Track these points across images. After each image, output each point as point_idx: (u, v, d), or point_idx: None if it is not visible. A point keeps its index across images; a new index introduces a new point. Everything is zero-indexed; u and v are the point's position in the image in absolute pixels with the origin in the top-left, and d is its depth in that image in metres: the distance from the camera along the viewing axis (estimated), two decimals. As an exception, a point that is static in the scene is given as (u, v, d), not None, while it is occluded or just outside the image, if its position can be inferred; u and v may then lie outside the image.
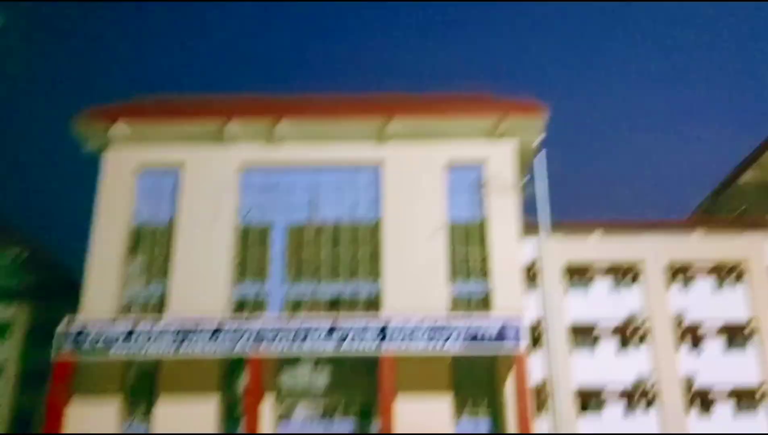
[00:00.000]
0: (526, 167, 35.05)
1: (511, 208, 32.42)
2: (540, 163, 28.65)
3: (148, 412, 30.11)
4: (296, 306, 31.74)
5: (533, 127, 33.20)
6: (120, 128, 32.90)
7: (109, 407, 29.79)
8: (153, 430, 29.24)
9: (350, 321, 29.02)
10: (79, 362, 29.31)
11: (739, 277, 34.75)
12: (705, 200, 46.03)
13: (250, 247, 32.54)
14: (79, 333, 28.66)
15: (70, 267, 42.88)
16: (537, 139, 33.42)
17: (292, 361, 31.64)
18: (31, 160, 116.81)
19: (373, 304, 31.40)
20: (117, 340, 28.50)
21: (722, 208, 41.83)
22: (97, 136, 33.43)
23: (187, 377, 29.63)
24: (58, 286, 39.76)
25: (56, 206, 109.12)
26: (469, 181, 33.36)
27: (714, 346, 33.74)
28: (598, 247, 35.85)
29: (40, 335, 37.14)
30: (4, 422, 36.27)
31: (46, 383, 29.13)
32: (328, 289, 31.96)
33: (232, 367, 30.94)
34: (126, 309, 31.54)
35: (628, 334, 34.06)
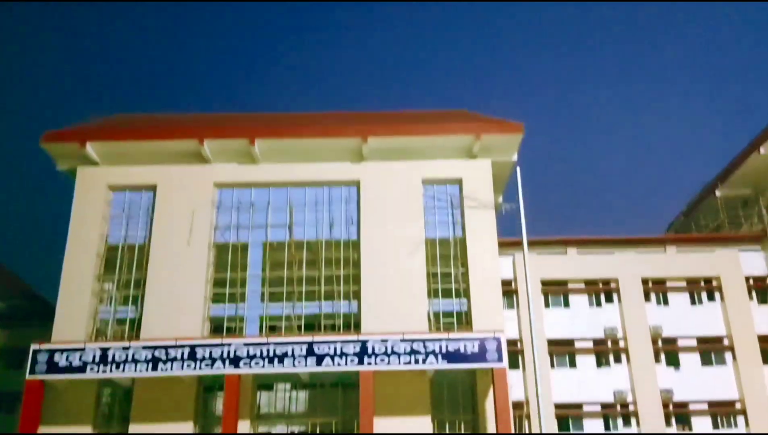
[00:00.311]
0: (501, 185, 35.29)
1: (488, 225, 32.52)
2: (517, 179, 28.78)
3: (122, 436, 29.39)
4: (274, 326, 31.38)
5: (509, 146, 33.47)
6: (91, 148, 32.48)
7: (81, 431, 28.99)
8: (127, 455, 28.55)
9: (329, 340, 28.71)
10: (51, 385, 28.58)
11: (714, 292, 35.19)
12: (678, 216, 46.74)
13: (227, 266, 32.17)
14: (51, 355, 27.98)
15: (43, 290, 42.14)
16: (513, 157, 33.71)
17: (270, 384, 31.20)
18: (2, 181, 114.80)
19: (351, 323, 31.14)
20: (90, 362, 27.85)
21: (696, 224, 42.44)
22: (68, 156, 32.98)
23: (162, 400, 29.00)
24: (30, 311, 38.89)
25: (28, 227, 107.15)
26: (445, 198, 33.45)
27: (691, 360, 34.01)
28: (573, 263, 36.15)
29: (12, 359, 36.26)
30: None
31: (18, 407, 28.38)
32: (305, 309, 31.65)
33: (209, 388, 30.43)
34: (99, 331, 30.92)
35: (605, 349, 34.22)
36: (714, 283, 35.25)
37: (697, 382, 33.25)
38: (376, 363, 28.14)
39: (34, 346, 28.20)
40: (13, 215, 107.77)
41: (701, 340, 34.33)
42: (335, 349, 28.33)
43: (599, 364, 34.11)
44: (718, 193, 40.63)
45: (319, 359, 28.21)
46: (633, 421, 32.84)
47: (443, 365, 28.14)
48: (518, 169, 17.40)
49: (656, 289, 35.41)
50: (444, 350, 28.19)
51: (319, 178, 33.50)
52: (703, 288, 35.45)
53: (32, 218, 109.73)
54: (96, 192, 32.79)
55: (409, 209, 32.73)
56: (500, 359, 28.09)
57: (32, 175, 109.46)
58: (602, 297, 35.48)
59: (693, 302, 35.28)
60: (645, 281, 35.31)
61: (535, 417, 31.47)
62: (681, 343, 34.31)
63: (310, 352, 28.30)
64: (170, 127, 34.72)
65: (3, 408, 36.16)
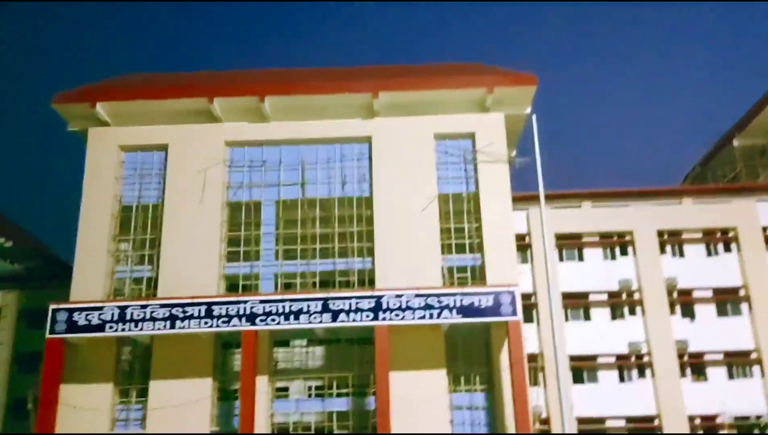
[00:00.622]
0: (515, 139, 34.86)
1: (501, 179, 32.24)
2: (532, 131, 28.35)
3: (142, 392, 29.96)
4: (289, 284, 31.59)
5: (522, 98, 32.94)
6: (102, 108, 32.37)
7: (103, 388, 29.61)
8: (148, 409, 29.10)
9: (344, 296, 28.90)
10: (72, 344, 29.11)
11: (730, 243, 34.87)
12: (695, 167, 46.15)
13: (241, 225, 32.26)
14: (70, 314, 28.43)
15: (60, 251, 42.66)
16: (526, 110, 33.20)
17: (287, 340, 31.59)
18: (15, 143, 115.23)
19: (366, 279, 31.26)
20: (108, 320, 28.29)
21: (713, 174, 41.89)
22: (79, 117, 32.92)
23: (181, 356, 29.47)
24: (48, 272, 39.38)
25: (43, 189, 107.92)
26: (458, 153, 33.11)
27: (706, 312, 33.94)
28: (587, 217, 35.90)
29: (33, 320, 36.84)
30: (0, 408, 36.11)
31: (40, 367, 28.99)
32: (320, 266, 31.79)
33: (226, 345, 30.86)
34: (117, 290, 31.29)
35: (620, 302, 34.20)
36: (730, 234, 34.91)
37: (712, 333, 33.22)
38: (390, 318, 28.35)
39: (53, 306, 28.66)
40: (28, 177, 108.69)
41: (717, 292, 34.19)
42: (350, 305, 28.54)
43: (614, 316, 34.14)
44: (735, 142, 39.95)
45: (335, 315, 28.45)
46: (648, 372, 32.95)
47: (458, 319, 28.29)
48: (534, 118, 17.03)
49: (672, 241, 35.14)
50: (458, 304, 28.30)
51: (331, 135, 33.20)
52: (719, 239, 35.14)
53: (47, 180, 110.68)
54: (108, 152, 32.80)
55: (421, 165, 32.46)
56: (515, 313, 28.18)
57: (46, 137, 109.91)
58: (617, 250, 35.28)
59: (709, 254, 35.04)
60: (660, 233, 35.01)
61: (549, 369, 31.67)
62: (696, 294, 34.19)
63: (325, 308, 28.53)
64: (180, 86, 34.42)
65: (25, 368, 36.88)
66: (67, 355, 29.10)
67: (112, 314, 28.27)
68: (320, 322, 28.45)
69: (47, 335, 28.29)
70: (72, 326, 28.28)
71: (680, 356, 32.88)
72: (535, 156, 13.23)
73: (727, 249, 34.95)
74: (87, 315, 28.31)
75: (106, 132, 33.03)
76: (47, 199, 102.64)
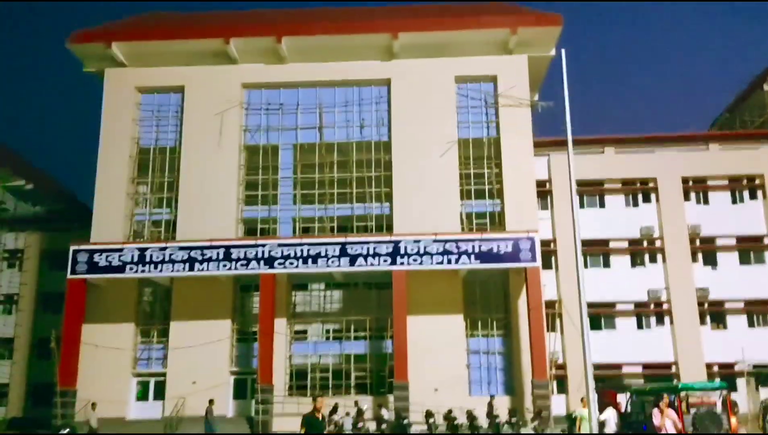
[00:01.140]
0: (537, 82, 33.98)
1: (523, 124, 31.56)
2: (556, 74, 27.54)
3: (163, 332, 30.45)
4: (307, 228, 31.56)
5: (547, 39, 31.93)
6: (117, 48, 31.92)
7: (125, 328, 30.14)
8: (169, 349, 29.65)
9: (362, 241, 28.84)
10: (93, 285, 29.51)
11: (756, 190, 34.08)
12: (723, 113, 44.84)
13: (258, 168, 32.06)
14: (91, 255, 28.72)
15: (82, 195, 42.87)
16: (550, 51, 32.22)
17: (305, 283, 31.75)
18: (34, 85, 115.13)
19: (384, 224, 31.11)
20: (128, 262, 28.57)
21: (740, 120, 40.68)
22: (95, 57, 32.51)
23: (200, 298, 29.81)
24: (70, 214, 39.66)
25: (62, 132, 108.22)
26: (479, 97, 32.36)
27: (729, 260, 33.44)
28: (610, 163, 35.16)
29: (55, 261, 37.29)
30: (25, 347, 36.93)
31: (62, 307, 29.48)
32: (338, 211, 31.65)
33: (245, 288, 31.10)
34: (136, 232, 31.49)
35: (641, 249, 33.79)
36: (757, 181, 34.06)
37: (734, 281, 32.77)
38: (408, 263, 28.29)
39: (73, 247, 28.95)
40: (47, 120, 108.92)
41: (741, 239, 33.58)
42: (368, 250, 28.49)
43: (634, 264, 33.76)
44: (765, 87, 38.58)
45: (352, 259, 28.44)
46: (666, 319, 32.76)
47: (476, 265, 28.18)
48: (564, 53, 16.29)
49: (696, 187, 34.40)
50: (477, 250, 28.14)
51: (349, 77, 32.55)
52: (745, 186, 34.33)
53: (66, 122, 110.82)
54: (125, 94, 32.50)
55: (441, 108, 31.83)
56: (534, 259, 27.98)
57: (65, 79, 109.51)
58: (640, 197, 34.63)
59: (734, 201, 34.29)
60: (685, 180, 34.25)
61: (566, 315, 31.61)
62: (719, 242, 33.62)
63: (343, 252, 28.52)
64: (196, 26, 33.80)
65: (50, 308, 37.53)
66: (89, 296, 29.54)
67: (132, 256, 28.52)
68: (338, 266, 28.49)
69: (68, 276, 28.66)
70: (93, 267, 28.60)
71: (700, 304, 32.58)
72: (564, 93, 12.66)
73: (753, 196, 34.17)
74: (107, 256, 28.59)
75: (122, 73, 32.67)
76: (66, 141, 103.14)
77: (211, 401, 24.71)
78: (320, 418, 10.76)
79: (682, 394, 16.97)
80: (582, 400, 15.17)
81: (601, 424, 14.72)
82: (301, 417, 10.90)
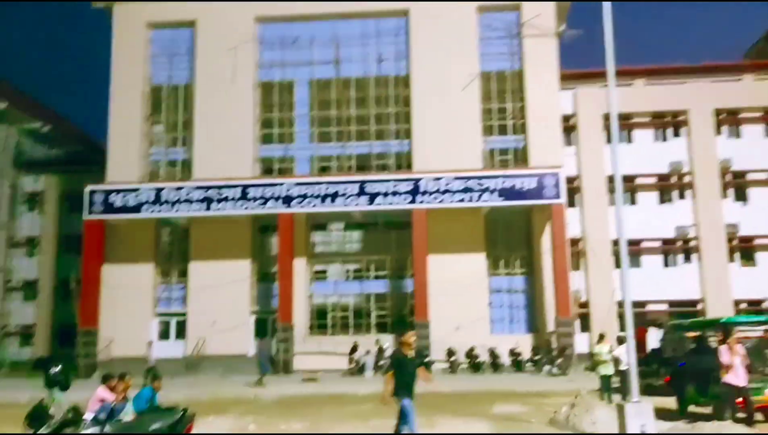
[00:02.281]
0: (564, 11, 32.35)
1: (548, 55, 30.24)
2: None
3: (183, 272, 30.36)
4: (324, 167, 30.91)
5: (574, -36, 30.27)
6: (126, -20, 30.87)
7: (144, 269, 30.08)
8: (189, 289, 29.62)
9: (381, 179, 28.18)
10: (112, 225, 29.35)
11: (792, 122, 32.63)
12: (757, 42, 42.75)
13: (274, 106, 31.24)
14: (107, 196, 28.44)
15: (98, 135, 42.46)
16: (578, -23, 30.61)
17: (324, 223, 31.31)
18: (44, 26, 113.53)
19: (404, 162, 30.33)
20: (145, 202, 28.26)
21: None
22: (103, -9, 31.52)
23: (219, 239, 29.54)
24: (88, 157, 39.42)
25: (75, 73, 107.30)
26: (503, 27, 30.94)
27: (760, 195, 32.32)
28: (639, 96, 33.79)
29: (74, 204, 37.30)
30: (48, 289, 37.30)
31: (82, 249, 29.42)
32: (356, 149, 30.89)
33: (264, 229, 30.74)
34: (152, 172, 31.09)
35: (669, 185, 32.77)
36: (793, 114, 32.57)
37: (764, 217, 31.72)
38: (428, 201, 27.65)
39: (89, 188, 28.67)
40: (63, 62, 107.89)
41: (774, 174, 32.35)
42: (387, 188, 27.86)
43: (662, 200, 32.78)
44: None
45: (371, 198, 27.85)
46: (694, 256, 31.98)
47: (499, 202, 27.45)
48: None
49: (729, 120, 33.02)
50: (500, 187, 27.36)
51: (366, 9, 31.20)
52: (780, 118, 32.86)
53: (79, 63, 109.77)
54: (135, 30, 31.57)
55: (462, 40, 30.50)
56: (558, 195, 27.18)
57: (73, 17, 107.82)
58: (669, 131, 33.36)
59: (768, 134, 32.92)
60: (718, 112, 32.86)
61: (591, 253, 30.96)
62: (751, 176, 32.45)
63: (362, 191, 27.91)
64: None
65: (72, 250, 37.71)
66: (109, 237, 29.42)
67: (148, 196, 28.19)
68: (357, 205, 27.93)
69: (85, 217, 28.45)
70: (109, 207, 28.35)
71: (729, 240, 31.71)
72: (602, 19, 11.51)
73: (788, 129, 32.74)
74: (123, 196, 28.28)
75: (132, 8, 31.63)
76: (80, 83, 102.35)
77: (262, 339, 24.10)
78: (412, 357, 9.29)
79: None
80: (600, 336, 14.68)
81: (616, 361, 14.22)
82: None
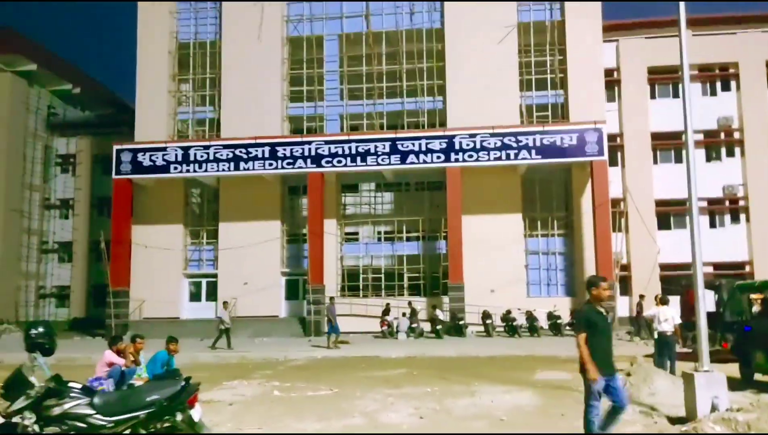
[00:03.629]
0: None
1: (592, 5, 28.55)
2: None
3: (213, 233, 29.97)
4: (355, 126, 29.96)
5: None
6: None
7: (174, 229, 29.75)
8: (219, 249, 29.24)
9: (413, 136, 27.18)
10: (141, 186, 29.01)
11: None
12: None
13: (302, 62, 30.25)
14: (135, 155, 28.01)
15: (129, 97, 42.06)
16: None
17: (355, 184, 30.50)
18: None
19: (437, 121, 29.21)
20: (172, 161, 27.76)
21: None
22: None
23: (248, 199, 28.99)
24: (120, 119, 39.07)
25: (108, 36, 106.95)
26: (542, -25, 29.29)
27: (817, 152, 30.47)
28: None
29: (107, 165, 37.08)
30: (83, 250, 37.43)
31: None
32: (387, 107, 29.83)
33: (293, 189, 30.08)
34: (180, 131, 30.53)
35: (717, 142, 31.10)
36: None
37: (821, 176, 29.97)
38: (463, 159, 26.59)
39: (117, 146, 28.23)
40: (95, 24, 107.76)
41: (831, 131, 30.41)
42: (420, 146, 26.84)
43: (709, 158, 31.14)
44: None
45: (404, 156, 26.89)
46: (742, 217, 30.45)
47: (537, 160, 26.25)
48: None
49: (782, 73, 31.02)
50: (538, 144, 26.13)
51: (398, -42, 29.82)
52: (839, 71, 30.74)
53: (114, 24, 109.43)
54: (160, -15, 30.70)
55: (499, -11, 28.96)
56: (601, 152, 25.86)
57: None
58: (718, 84, 31.52)
59: (825, 88, 30.85)
60: (770, 64, 30.90)
61: (633, 213, 29.67)
62: (806, 133, 30.55)
63: (393, 149, 26.95)
64: None
65: (106, 212, 37.70)
66: (138, 197, 29.12)
67: (176, 155, 27.64)
68: (388, 163, 27.01)
69: (113, 176, 28.10)
70: (137, 167, 27.93)
71: (781, 201, 30.05)
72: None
73: None
74: (151, 156, 27.80)
75: (156, -38, 30.75)
76: (111, 43, 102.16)
77: (331, 299, 23.23)
78: (604, 312, 6.78)
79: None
80: (657, 298, 13.56)
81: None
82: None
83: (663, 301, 12.64)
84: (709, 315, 16.50)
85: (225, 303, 22.85)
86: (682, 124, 28.64)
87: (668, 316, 12.18)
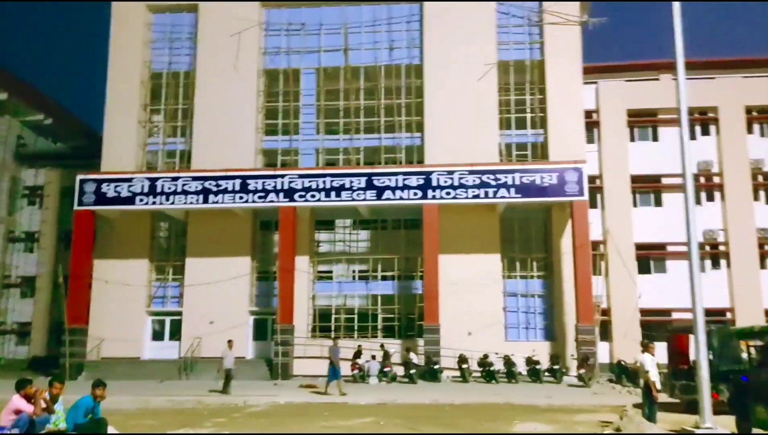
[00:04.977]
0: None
1: (572, 45, 28.37)
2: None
3: (179, 269, 28.72)
4: (331, 161, 29.19)
5: (599, -51, 28.44)
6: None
7: (139, 264, 28.47)
8: (185, 286, 27.96)
9: (390, 172, 26.46)
10: (106, 218, 27.81)
11: (831, 121, 30.54)
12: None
13: (279, 94, 29.60)
14: (99, 185, 26.88)
15: (101, 129, 41.08)
16: (603, -37, 28.74)
17: (330, 220, 29.57)
18: (46, 15, 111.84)
19: (414, 157, 28.55)
20: (138, 192, 26.67)
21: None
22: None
23: (218, 234, 27.89)
24: (92, 151, 37.96)
25: (74, 63, 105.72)
26: (523, 14, 29.13)
27: (796, 198, 30.26)
28: (665, 91, 31.81)
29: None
30: (47, 285, 35.96)
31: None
32: (364, 142, 29.16)
33: (265, 224, 29.04)
34: (150, 163, 29.52)
35: (697, 186, 30.75)
36: (831, 113, 30.47)
37: (800, 222, 29.66)
38: (441, 196, 25.86)
39: (80, 176, 27.10)
40: (59, 50, 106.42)
41: (809, 176, 30.27)
42: (397, 181, 26.11)
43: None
44: None
45: (380, 192, 26.11)
46: (722, 262, 29.96)
47: (516, 199, 25.58)
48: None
49: (762, 118, 31.01)
50: (518, 182, 25.50)
51: (378, -7, 29.54)
52: (817, 117, 30.78)
53: (79, 52, 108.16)
54: (135, 14, 30.04)
55: (479, 27, 28.71)
56: (581, 192, 25.28)
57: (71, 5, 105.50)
58: (698, 129, 31.37)
59: (804, 134, 30.84)
60: (749, 110, 30.89)
61: (614, 257, 29.05)
62: (786, 179, 30.39)
63: (369, 184, 26.18)
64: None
65: (71, 245, 36.42)
66: (102, 230, 27.91)
67: (142, 186, 26.58)
68: (364, 199, 26.17)
69: (75, 206, 26.91)
70: (101, 198, 26.78)
71: (761, 246, 29.67)
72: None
73: (825, 129, 30.66)
74: (116, 187, 26.71)
75: (131, -9, 30.16)
76: (80, 73, 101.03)
77: (335, 339, 21.69)
78: None
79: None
80: (644, 344, 12.64)
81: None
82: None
83: (648, 348, 11.75)
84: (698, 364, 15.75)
85: (230, 342, 21.06)
86: (661, 167, 28.44)
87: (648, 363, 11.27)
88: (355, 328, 27.85)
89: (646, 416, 10.81)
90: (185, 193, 26.36)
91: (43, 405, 7.86)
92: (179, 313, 28.12)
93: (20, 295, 36.23)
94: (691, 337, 16.39)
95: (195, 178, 26.55)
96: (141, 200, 26.55)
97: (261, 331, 27.94)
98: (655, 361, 11.47)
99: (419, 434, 10.71)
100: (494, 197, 25.59)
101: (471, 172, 25.72)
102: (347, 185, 26.16)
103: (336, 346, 20.25)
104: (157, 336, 28.43)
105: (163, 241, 29.75)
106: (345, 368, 24.11)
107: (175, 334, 28.04)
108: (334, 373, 19.45)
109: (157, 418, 13.35)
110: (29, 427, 7.06)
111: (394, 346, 26.17)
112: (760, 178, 30.53)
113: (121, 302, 27.60)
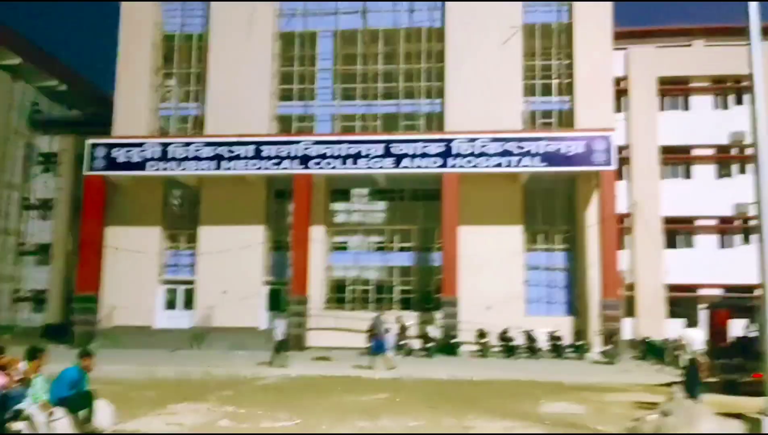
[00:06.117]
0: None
1: (602, 7, 27.01)
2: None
3: (192, 237, 28.12)
4: (348, 127, 28.26)
5: None
6: None
7: (151, 232, 27.90)
8: (198, 254, 27.37)
9: (408, 138, 25.48)
10: (118, 185, 27.22)
11: None
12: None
13: (294, 59, 28.60)
14: (109, 150, 26.21)
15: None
16: None
17: (345, 189, 28.73)
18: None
19: (434, 124, 27.54)
20: (149, 158, 25.97)
21: None
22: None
23: (231, 202, 27.21)
24: (105, 116, 37.38)
25: (96, 32, 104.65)
26: (550, -25, 27.79)
27: (835, 171, 28.79)
28: (698, 58, 30.39)
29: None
30: (62, 253, 35.67)
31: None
32: (383, 108, 28.16)
33: (280, 193, 28.28)
34: (162, 128, 28.79)
35: (729, 158, 29.45)
36: None
37: (839, 196, 28.23)
38: (461, 165, 24.86)
39: (90, 141, 26.42)
40: (83, 20, 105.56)
41: None
42: (416, 149, 25.13)
43: (720, 174, 29.46)
44: None
45: (398, 160, 25.17)
46: (754, 237, 28.69)
47: (541, 168, 24.52)
48: None
49: (803, 87, 29.41)
50: (542, 151, 24.43)
51: (398, -47, 28.28)
52: None
53: (103, 20, 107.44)
54: (146, -27, 29.07)
55: (504, -11, 27.43)
56: (609, 161, 24.15)
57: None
58: (731, 97, 29.91)
59: None
60: (789, 78, 29.29)
61: (640, 231, 27.96)
62: (825, 151, 28.87)
63: (387, 152, 25.24)
64: None
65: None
66: (114, 197, 27.31)
67: (153, 152, 25.86)
68: (381, 167, 25.27)
69: (85, 171, 26.30)
70: (111, 163, 26.12)
71: (796, 221, 28.32)
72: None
73: None
74: (127, 152, 26.01)
75: (143, -50, 29.13)
76: (100, 39, 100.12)
77: (381, 311, 20.85)
78: None
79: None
80: (689, 320, 11.75)
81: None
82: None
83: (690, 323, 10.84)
84: (741, 341, 14.81)
85: (283, 310, 19.99)
86: (692, 138, 27.01)
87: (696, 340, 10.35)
88: (371, 299, 27.16)
89: (690, 395, 9.93)
90: (197, 159, 25.62)
91: (19, 377, 7.15)
92: (192, 282, 27.59)
93: (36, 262, 36.00)
94: (732, 313, 15.45)
95: (207, 144, 25.78)
96: (152, 166, 25.87)
97: (274, 301, 27.32)
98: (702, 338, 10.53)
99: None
100: (518, 166, 24.55)
101: (493, 140, 24.66)
102: (364, 153, 25.25)
103: (381, 317, 19.41)
104: (170, 305, 27.96)
105: (176, 209, 29.12)
106: (361, 340, 23.57)
107: (188, 303, 27.56)
108: (379, 346, 18.47)
109: (160, 389, 12.73)
110: (1, 402, 6.33)
111: (410, 318, 25.46)
112: (797, 150, 29.11)
113: (133, 270, 27.12)
